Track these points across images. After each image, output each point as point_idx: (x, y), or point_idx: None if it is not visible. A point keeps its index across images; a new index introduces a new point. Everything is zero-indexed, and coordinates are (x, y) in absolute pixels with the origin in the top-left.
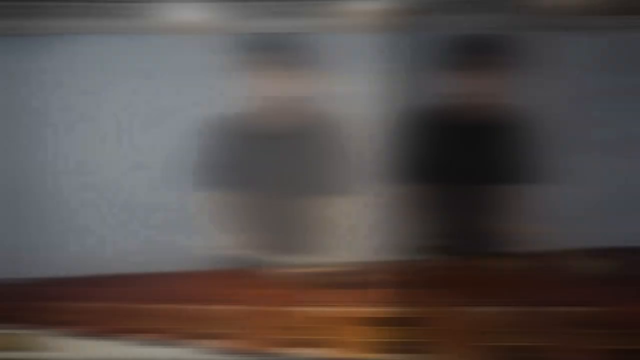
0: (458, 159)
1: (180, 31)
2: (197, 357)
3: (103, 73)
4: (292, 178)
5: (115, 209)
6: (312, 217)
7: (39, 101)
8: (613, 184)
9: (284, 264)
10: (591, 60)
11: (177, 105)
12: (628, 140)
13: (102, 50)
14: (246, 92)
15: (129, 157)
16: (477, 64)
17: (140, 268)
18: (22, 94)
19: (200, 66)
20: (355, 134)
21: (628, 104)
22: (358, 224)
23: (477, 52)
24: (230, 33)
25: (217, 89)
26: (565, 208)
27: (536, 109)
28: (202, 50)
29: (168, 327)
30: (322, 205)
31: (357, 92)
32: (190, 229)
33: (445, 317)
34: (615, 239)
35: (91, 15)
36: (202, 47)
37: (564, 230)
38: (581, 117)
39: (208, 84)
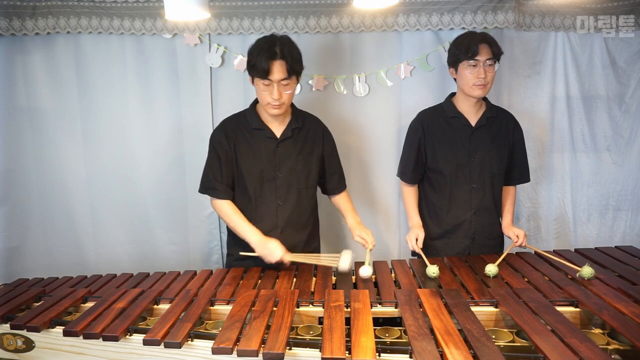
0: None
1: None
2: (196, 357)
3: (103, 73)
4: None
5: (115, 209)
6: None
7: (37, 100)
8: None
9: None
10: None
11: (177, 105)
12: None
13: (102, 50)
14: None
15: (129, 156)
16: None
17: (144, 268)
18: (20, 94)
19: (200, 67)
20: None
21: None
22: None
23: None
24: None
25: (218, 89)
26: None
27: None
28: (202, 51)
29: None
30: None
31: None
32: (192, 229)
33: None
34: None
35: (94, 15)
36: (201, 48)
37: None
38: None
39: (208, 84)
